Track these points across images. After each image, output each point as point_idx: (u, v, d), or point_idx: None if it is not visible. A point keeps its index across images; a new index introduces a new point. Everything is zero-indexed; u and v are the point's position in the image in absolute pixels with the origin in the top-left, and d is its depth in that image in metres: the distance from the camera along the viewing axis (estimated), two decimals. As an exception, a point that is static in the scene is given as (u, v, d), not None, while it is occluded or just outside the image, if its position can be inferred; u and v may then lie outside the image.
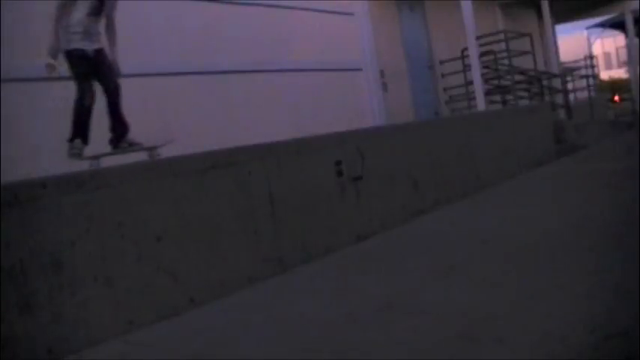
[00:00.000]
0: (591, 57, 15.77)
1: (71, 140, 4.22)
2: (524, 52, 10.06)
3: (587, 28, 21.79)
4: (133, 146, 4.49)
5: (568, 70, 14.06)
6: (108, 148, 4.44)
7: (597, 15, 16.43)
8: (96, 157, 4.34)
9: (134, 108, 5.30)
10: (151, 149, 4.51)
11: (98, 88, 4.26)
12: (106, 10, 4.24)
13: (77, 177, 2.93)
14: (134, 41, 5.38)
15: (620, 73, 26.89)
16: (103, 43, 4.28)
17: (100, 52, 4.24)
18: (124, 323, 2.91)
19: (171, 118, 5.54)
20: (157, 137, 4.64)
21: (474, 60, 8.29)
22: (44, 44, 4.06)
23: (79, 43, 4.11)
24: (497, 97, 9.80)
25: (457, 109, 9.74)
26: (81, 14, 4.10)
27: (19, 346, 2.57)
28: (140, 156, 4.47)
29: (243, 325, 2.87)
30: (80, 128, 4.19)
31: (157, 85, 5.51)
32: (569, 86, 12.07)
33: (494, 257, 3.54)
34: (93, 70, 4.19)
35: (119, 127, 4.39)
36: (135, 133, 4.51)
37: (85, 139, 4.22)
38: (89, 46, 4.17)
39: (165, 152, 4.32)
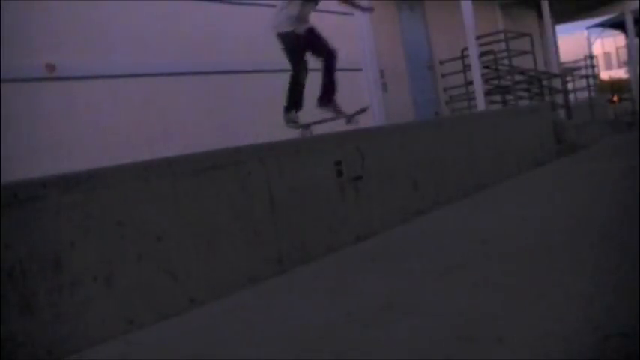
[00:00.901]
0: (591, 57, 15.77)
1: (287, 111, 4.98)
2: (524, 52, 10.06)
3: (587, 28, 21.79)
4: (339, 114, 5.25)
5: (568, 70, 14.07)
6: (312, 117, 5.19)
7: (597, 15, 16.43)
8: (307, 126, 5.15)
9: (134, 109, 5.32)
10: (351, 117, 5.32)
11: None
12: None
13: (77, 177, 2.93)
14: (134, 41, 5.39)
15: (620, 73, 26.91)
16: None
17: (310, 30, 5.02)
18: (124, 323, 2.91)
19: (171, 119, 5.54)
20: (353, 107, 5.39)
21: (474, 60, 8.29)
22: (44, 44, 4.07)
23: (291, 27, 4.90)
24: (498, 97, 9.80)
25: (457, 109, 9.74)
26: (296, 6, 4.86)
27: (19, 346, 2.57)
28: (339, 125, 5.16)
29: (243, 325, 2.87)
30: (296, 100, 4.97)
31: (157, 85, 5.51)
32: (569, 86, 12.07)
33: (494, 257, 3.54)
34: (306, 46, 4.91)
35: (329, 87, 5.11)
36: (136, 132, 4.51)
37: (298, 109, 5.02)
38: (301, 29, 4.96)
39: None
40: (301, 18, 4.96)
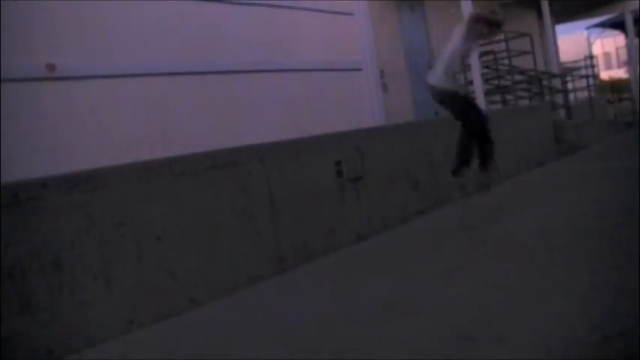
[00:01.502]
0: (591, 57, 15.76)
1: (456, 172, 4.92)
2: (524, 52, 10.05)
3: (587, 28, 21.77)
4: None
5: (568, 70, 14.06)
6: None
7: (597, 15, 16.42)
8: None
9: (134, 109, 5.32)
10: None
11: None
12: None
13: (77, 177, 2.93)
14: (134, 41, 5.39)
15: (620, 73, 26.87)
16: None
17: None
18: (124, 323, 2.91)
19: (171, 119, 5.54)
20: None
21: (474, 60, 8.28)
22: (44, 44, 4.07)
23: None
24: (497, 97, 9.80)
25: (457, 109, 9.72)
26: None
27: (19, 346, 2.57)
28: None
29: (243, 325, 2.87)
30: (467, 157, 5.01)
31: (157, 85, 5.51)
32: (569, 86, 12.06)
33: (494, 257, 3.54)
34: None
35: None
36: (136, 132, 4.50)
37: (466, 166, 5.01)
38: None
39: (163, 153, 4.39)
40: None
